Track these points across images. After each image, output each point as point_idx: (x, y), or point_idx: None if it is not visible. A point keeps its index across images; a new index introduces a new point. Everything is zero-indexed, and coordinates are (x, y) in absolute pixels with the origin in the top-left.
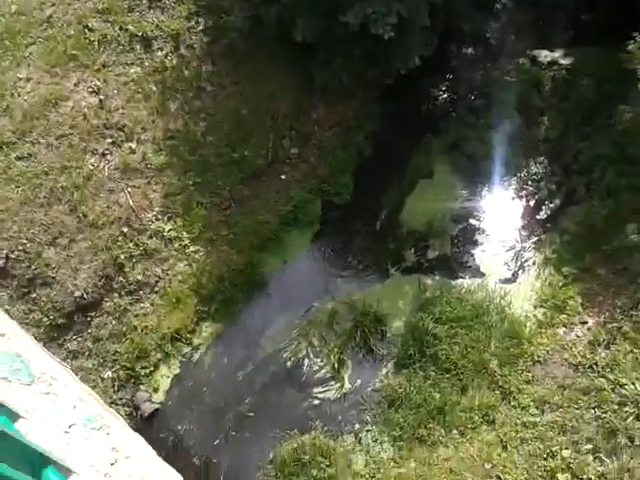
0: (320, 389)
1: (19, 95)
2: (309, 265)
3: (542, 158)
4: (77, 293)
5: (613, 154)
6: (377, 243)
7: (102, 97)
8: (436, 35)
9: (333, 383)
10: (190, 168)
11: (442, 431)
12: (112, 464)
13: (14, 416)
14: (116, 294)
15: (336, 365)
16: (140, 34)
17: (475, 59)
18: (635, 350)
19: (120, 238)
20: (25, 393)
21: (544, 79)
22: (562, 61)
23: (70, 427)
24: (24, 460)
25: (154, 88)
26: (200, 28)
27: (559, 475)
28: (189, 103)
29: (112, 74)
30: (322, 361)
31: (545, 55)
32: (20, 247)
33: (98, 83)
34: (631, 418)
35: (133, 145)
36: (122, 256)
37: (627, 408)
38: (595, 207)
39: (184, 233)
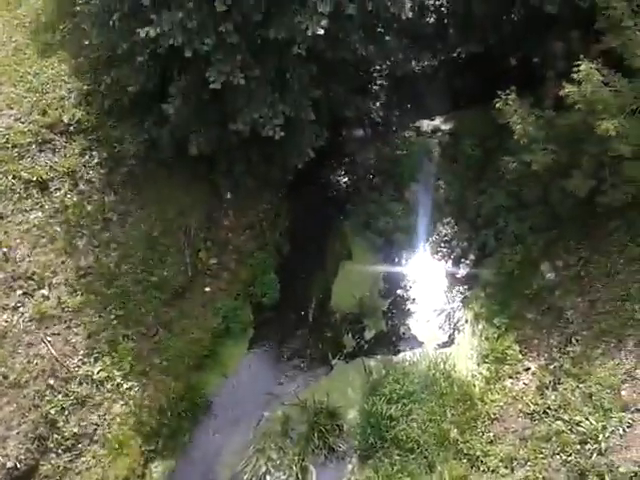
0: None
1: None
2: (251, 374)
3: (448, 219)
4: (9, 464)
5: (510, 203)
6: (314, 335)
7: (5, 250)
8: (324, 126)
9: None
10: (109, 302)
11: None
12: None
13: None
14: (53, 454)
15: (300, 474)
16: (35, 179)
17: (366, 140)
18: (580, 385)
19: (48, 392)
20: None
21: (431, 146)
22: (443, 127)
23: None
24: None
25: (58, 229)
26: (95, 161)
27: None
28: (97, 236)
29: (12, 224)
30: (285, 473)
31: (427, 124)
32: None
33: None
34: (595, 455)
35: (45, 292)
36: (53, 411)
37: (588, 445)
38: (508, 255)
39: (115, 371)
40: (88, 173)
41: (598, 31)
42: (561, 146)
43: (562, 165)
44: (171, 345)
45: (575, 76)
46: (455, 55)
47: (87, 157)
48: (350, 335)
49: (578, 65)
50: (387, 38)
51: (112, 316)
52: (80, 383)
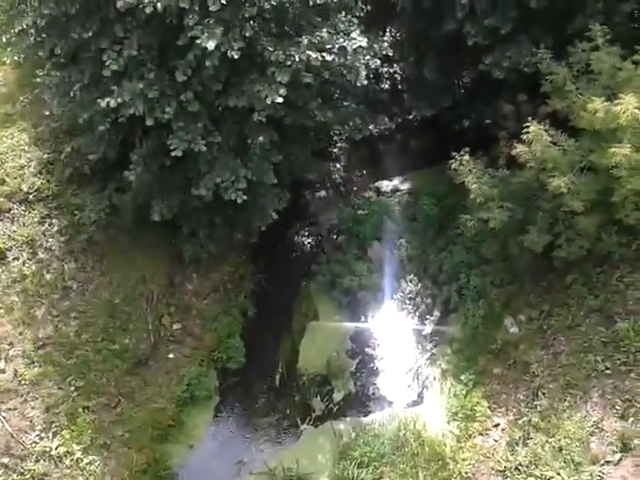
0: None
1: None
2: (217, 443)
3: (411, 276)
4: None
5: (471, 259)
6: (281, 399)
7: None
8: (286, 189)
9: None
10: (69, 373)
11: None
12: None
13: None
14: None
15: None
16: None
17: (329, 200)
18: (550, 439)
19: (1, 472)
20: None
21: (391, 206)
22: (402, 187)
23: None
24: None
25: (16, 299)
26: (55, 229)
27: None
28: (56, 306)
29: None
30: None
31: (387, 185)
32: None
33: None
34: None
35: (1, 365)
36: None
37: None
38: (471, 310)
39: (74, 445)
40: (47, 241)
41: (544, 94)
42: (516, 203)
43: (518, 221)
44: (133, 415)
45: (525, 137)
46: (411, 117)
47: (47, 225)
48: (319, 398)
49: (527, 126)
50: (344, 104)
51: (72, 387)
52: (37, 460)
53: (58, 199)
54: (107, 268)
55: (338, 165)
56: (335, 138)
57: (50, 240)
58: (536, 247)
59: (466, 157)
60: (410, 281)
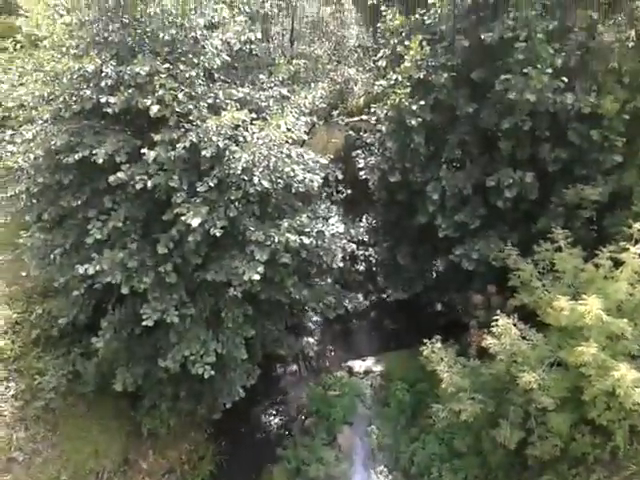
0: None
1: None
2: None
3: (382, 467)
4: None
5: (443, 451)
6: None
7: None
8: (256, 364)
9: None
10: None
11: None
12: None
13: None
14: None
15: None
16: None
17: (299, 376)
18: None
19: None
20: None
21: (363, 388)
22: (374, 368)
23: None
24: None
25: None
26: (11, 393)
27: None
28: None
29: None
30: None
31: (359, 365)
32: None
33: None
34: None
35: None
36: None
37: None
38: None
39: None
40: (0, 406)
41: (512, 287)
42: (488, 395)
43: (490, 414)
44: None
45: (494, 329)
46: (385, 297)
47: (2, 388)
48: None
49: (496, 320)
50: (320, 282)
51: None
52: None
53: (19, 361)
54: (59, 439)
55: (311, 340)
56: (310, 313)
57: (3, 405)
58: (509, 443)
59: (437, 345)
60: (380, 473)
